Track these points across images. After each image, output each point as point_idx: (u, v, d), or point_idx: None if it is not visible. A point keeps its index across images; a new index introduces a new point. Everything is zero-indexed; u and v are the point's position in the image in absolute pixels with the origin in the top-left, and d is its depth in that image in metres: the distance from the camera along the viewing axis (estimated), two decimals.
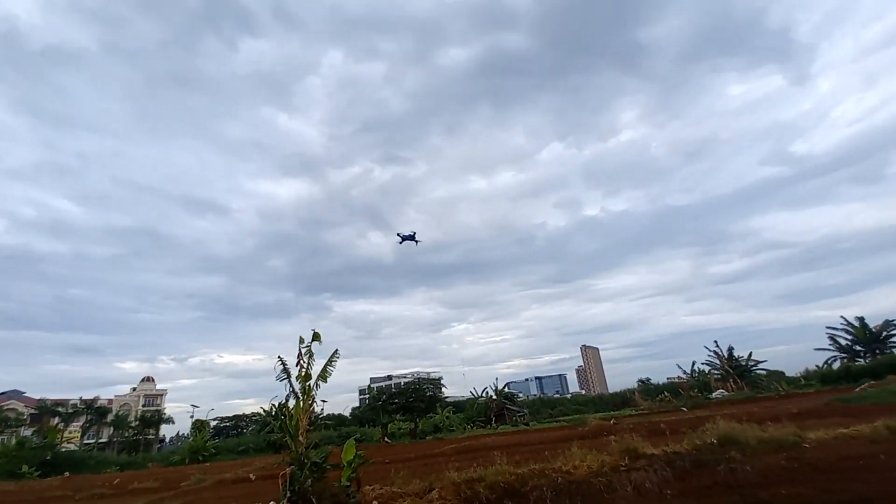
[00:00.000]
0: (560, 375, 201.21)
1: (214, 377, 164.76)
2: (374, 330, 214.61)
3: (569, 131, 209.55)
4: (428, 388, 45.03)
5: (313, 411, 9.03)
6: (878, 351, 38.72)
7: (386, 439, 38.19)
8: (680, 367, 53.50)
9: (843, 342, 41.58)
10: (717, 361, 45.65)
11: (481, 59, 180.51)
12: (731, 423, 10.71)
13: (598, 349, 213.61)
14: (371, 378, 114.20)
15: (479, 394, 54.37)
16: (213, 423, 55.55)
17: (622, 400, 53.89)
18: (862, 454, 10.21)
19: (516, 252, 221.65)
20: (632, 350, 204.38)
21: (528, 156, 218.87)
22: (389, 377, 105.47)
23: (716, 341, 46.62)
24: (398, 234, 23.76)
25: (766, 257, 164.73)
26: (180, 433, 72.43)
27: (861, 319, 40.94)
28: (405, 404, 40.60)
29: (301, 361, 9.43)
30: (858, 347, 40.40)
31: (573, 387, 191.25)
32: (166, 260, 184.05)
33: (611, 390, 76.84)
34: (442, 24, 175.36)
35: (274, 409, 10.49)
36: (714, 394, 41.00)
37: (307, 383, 9.01)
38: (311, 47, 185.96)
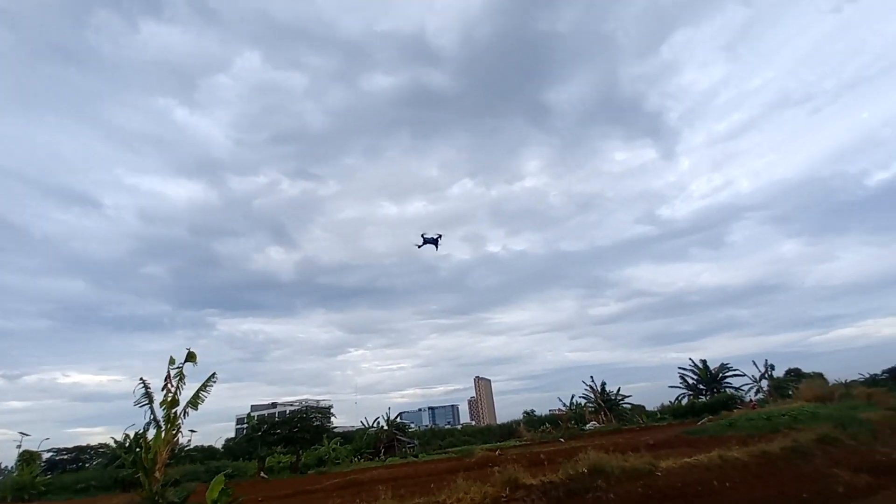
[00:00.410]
0: (452, 406, 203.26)
1: (55, 399, 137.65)
2: (263, 352, 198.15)
3: (479, 170, 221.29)
4: (315, 417, 42.35)
5: (177, 443, 7.94)
6: (715, 390, 45.58)
7: (262, 474, 34.78)
8: (561, 400, 57.43)
9: (690, 381, 48.25)
10: (592, 395, 49.88)
11: (405, 90, 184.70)
12: (600, 453, 11.65)
13: (490, 381, 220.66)
14: (252, 405, 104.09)
15: (370, 424, 52.61)
16: (46, 455, 45.80)
17: (508, 431, 55.89)
18: (700, 480, 11.77)
19: (420, 281, 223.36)
20: (521, 382, 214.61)
21: (440, 188, 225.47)
22: (274, 405, 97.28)
23: (591, 377, 51.10)
24: (422, 236, 22.21)
25: (635, 303, 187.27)
26: (2, 466, 58.83)
27: (704, 362, 48.02)
28: (288, 435, 37.55)
29: (169, 385, 8.35)
30: (701, 386, 47.16)
31: (464, 417, 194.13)
32: (15, 255, 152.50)
33: (499, 421, 79.51)
34: (370, 49, 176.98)
35: (128, 441, 9.03)
36: (588, 425, 44.50)
37: (173, 410, 7.95)
38: (227, 45, 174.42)
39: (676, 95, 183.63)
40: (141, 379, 7.88)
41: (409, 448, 46.45)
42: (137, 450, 7.30)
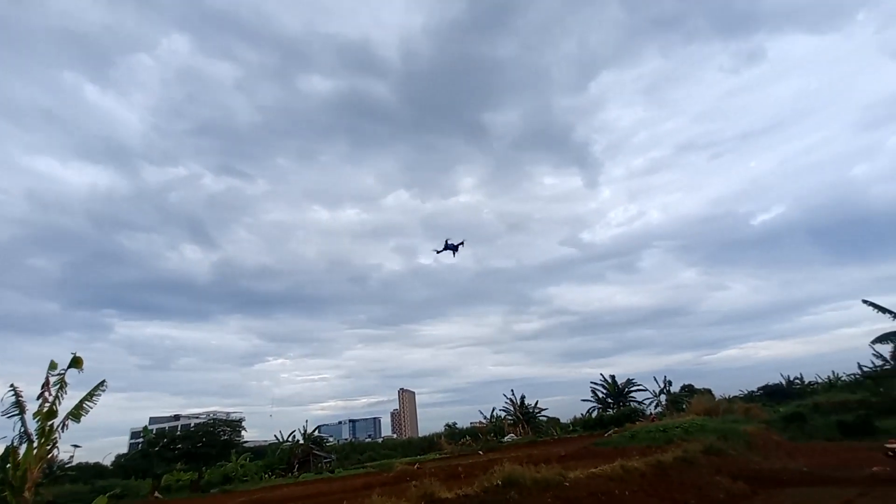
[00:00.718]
0: (374, 419, 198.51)
1: None
2: (168, 359, 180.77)
3: (416, 183, 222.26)
4: (223, 430, 39.19)
5: (54, 459, 6.96)
6: (621, 403, 49.05)
7: (157, 494, 31.43)
8: (482, 413, 58.45)
9: (601, 395, 51.50)
10: (512, 408, 51.36)
11: (344, 95, 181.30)
12: (515, 465, 11.97)
13: (414, 393, 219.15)
14: (152, 418, 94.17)
15: (285, 438, 49.80)
16: None
17: (430, 444, 55.64)
18: (603, 490, 12.51)
19: (349, 290, 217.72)
20: (444, 395, 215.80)
21: (374, 198, 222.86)
22: (177, 417, 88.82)
23: (512, 390, 52.63)
24: (446, 241, 20.31)
25: (556, 321, 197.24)
26: None
27: (613, 377, 51.55)
28: (190, 450, 34.34)
29: (45, 393, 7.34)
30: (610, 400, 50.52)
31: (386, 430, 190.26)
32: None
33: (421, 434, 78.89)
34: (309, 50, 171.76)
35: None
36: (506, 437, 45.65)
37: (49, 423, 6.98)
38: (150, 23, 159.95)
39: (601, 130, 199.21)
40: (11, 385, 6.83)
41: (325, 463, 44.53)
42: (7, 466, 6.26)
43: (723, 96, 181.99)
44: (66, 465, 42.96)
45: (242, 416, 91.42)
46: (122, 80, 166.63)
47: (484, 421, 56.77)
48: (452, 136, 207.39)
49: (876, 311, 24.82)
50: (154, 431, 38.81)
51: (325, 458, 46.23)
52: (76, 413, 7.70)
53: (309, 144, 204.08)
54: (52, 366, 7.57)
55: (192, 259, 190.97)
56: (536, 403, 52.25)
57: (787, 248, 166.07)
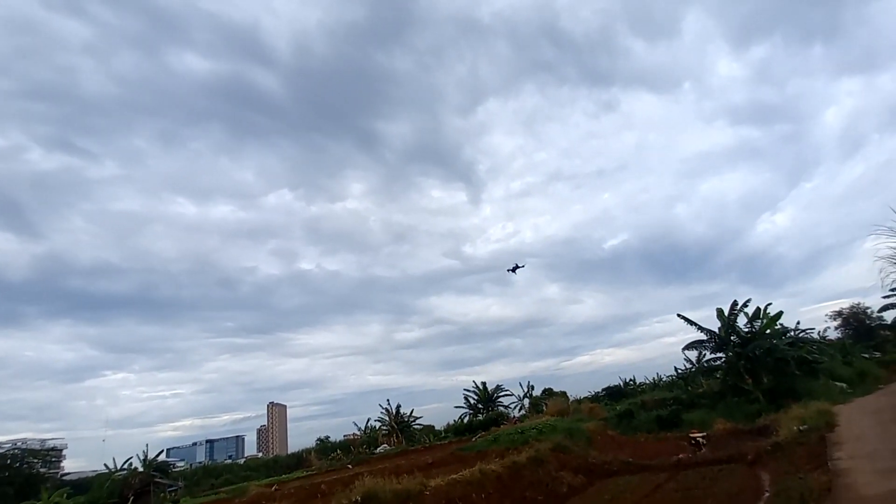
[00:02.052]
0: (238, 437, 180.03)
1: None
2: None
3: (301, 184, 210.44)
4: (31, 462, 31.88)
5: None
6: (490, 408, 52.08)
7: None
8: (356, 425, 56.89)
9: (472, 401, 54.05)
10: (387, 418, 51.03)
11: (224, 80, 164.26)
12: (376, 478, 11.84)
13: (285, 406, 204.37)
14: None
15: (119, 466, 42.41)
16: None
17: (297, 461, 52.33)
18: (461, 496, 13.00)
19: (215, 294, 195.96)
20: (319, 407, 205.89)
21: (253, 195, 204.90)
22: None
23: (388, 400, 52.25)
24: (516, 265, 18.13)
25: (435, 330, 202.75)
26: None
27: (484, 384, 54.54)
28: None
29: None
30: (480, 406, 53.28)
31: (251, 449, 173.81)
32: None
33: (291, 450, 73.91)
34: (185, 23, 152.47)
35: None
36: (378, 448, 45.06)
37: None
38: None
39: (486, 152, 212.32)
40: None
41: (169, 492, 38.86)
42: None
43: (584, 136, 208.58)
44: None
45: (64, 442, 75.63)
46: None
47: (358, 433, 55.37)
48: (343, 141, 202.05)
49: (687, 323, 30.38)
50: None
51: (170, 486, 40.37)
52: None
53: (176, 127, 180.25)
54: None
55: (3, 250, 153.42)
56: (412, 412, 52.67)
57: (626, 270, 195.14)
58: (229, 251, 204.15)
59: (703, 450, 20.24)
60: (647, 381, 57.30)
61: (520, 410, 51.35)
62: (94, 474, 47.80)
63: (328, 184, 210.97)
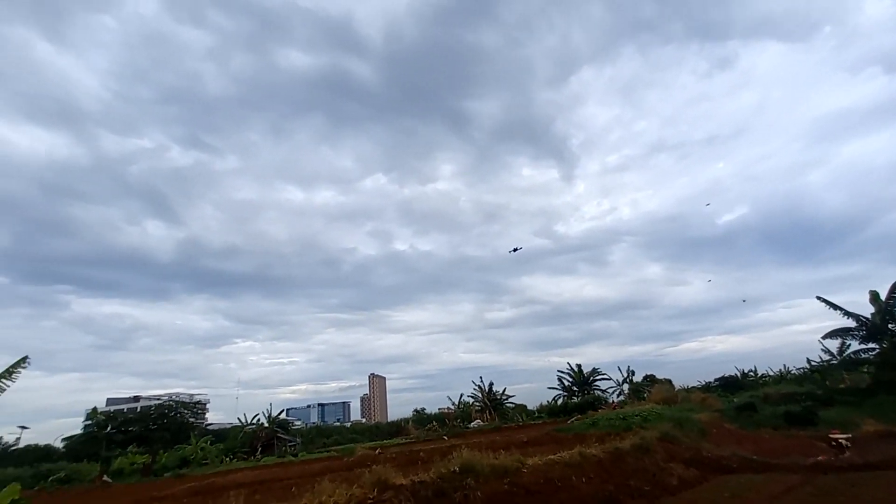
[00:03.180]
0: (344, 403, 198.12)
1: None
2: (127, 339, 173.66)
3: (394, 167, 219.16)
4: (181, 413, 37.99)
5: None
6: (586, 391, 50.28)
7: (105, 478, 30.16)
8: (450, 399, 58.87)
9: (566, 383, 52.65)
10: (480, 395, 51.91)
11: (323, 73, 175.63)
12: (473, 451, 11.83)
13: (385, 378, 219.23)
14: (109, 399, 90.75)
15: (249, 421, 48.83)
16: None
17: (397, 429, 55.77)
18: (560, 476, 12.54)
19: (321, 273, 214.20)
20: (414, 381, 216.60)
21: (351, 180, 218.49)
22: (137, 398, 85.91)
23: (481, 377, 53.15)
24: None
25: (527, 310, 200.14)
26: None
27: (579, 366, 52.73)
28: (143, 433, 33.08)
29: None
30: (575, 388, 51.72)
31: (356, 415, 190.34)
32: None
33: (390, 419, 79.06)
34: (288, 23, 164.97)
35: None
36: (472, 423, 46.13)
37: None
38: None
39: (579, 125, 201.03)
40: None
41: (289, 447, 43.92)
42: None
43: (692, 100, 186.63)
44: (11, 448, 40.94)
45: (207, 398, 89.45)
46: (81, 40, 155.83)
47: (452, 407, 57.22)
48: (433, 123, 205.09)
49: (828, 307, 25.96)
50: (112, 412, 37.09)
51: (290, 441, 45.61)
52: None
53: (284, 121, 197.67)
54: None
55: (154, 235, 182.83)
56: (504, 390, 52.98)
57: (742, 248, 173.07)
58: (331, 233, 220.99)
59: (847, 453, 17.36)
60: (772, 373, 50.88)
61: (618, 395, 48.94)
62: (230, 426, 55.77)
63: (419, 166, 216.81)
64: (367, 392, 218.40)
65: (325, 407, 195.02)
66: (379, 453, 22.11)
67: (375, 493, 9.61)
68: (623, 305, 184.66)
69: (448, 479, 10.69)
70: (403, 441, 38.06)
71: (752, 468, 16.32)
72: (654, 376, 51.77)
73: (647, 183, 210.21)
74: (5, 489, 6.21)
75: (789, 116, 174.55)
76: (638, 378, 51.20)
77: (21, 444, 42.32)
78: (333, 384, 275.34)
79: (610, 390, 51.06)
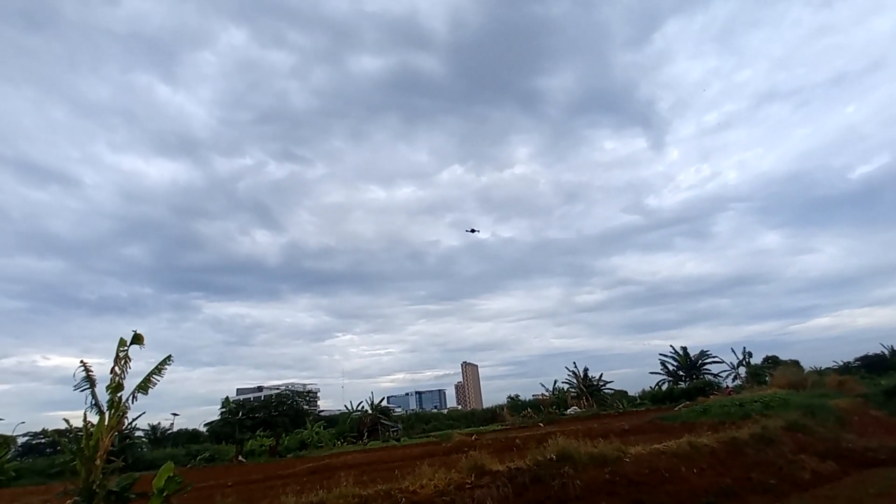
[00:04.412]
0: (440, 391, 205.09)
1: (35, 383, 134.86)
2: (248, 336, 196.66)
3: (469, 157, 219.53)
4: (297, 400, 42.22)
5: (122, 427, 7.58)
6: (694, 376, 46.40)
7: (240, 458, 34.66)
8: (543, 386, 58.06)
9: (671, 367, 49.04)
10: (574, 381, 50.47)
11: (394, 73, 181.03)
12: (569, 439, 11.55)
13: (476, 366, 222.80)
14: (238, 389, 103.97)
15: (355, 408, 52.71)
16: (22, 440, 44.86)
17: (492, 415, 56.46)
18: (667, 467, 11.74)
19: (407, 266, 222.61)
20: (506, 368, 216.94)
21: (429, 174, 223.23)
22: (260, 388, 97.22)
23: (574, 363, 51.63)
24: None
25: (619, 292, 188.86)
26: None
27: (684, 349, 48.83)
28: (267, 418, 37.37)
29: (116, 367, 7.95)
30: (681, 373, 47.98)
31: (451, 402, 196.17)
32: None
33: (485, 406, 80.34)
34: (357, 30, 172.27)
35: (70, 428, 8.62)
36: (568, 410, 45.04)
37: (117, 395, 7.56)
38: (209, 20, 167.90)
39: (668, 85, 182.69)
40: (82, 362, 7.48)
41: (392, 432, 46.66)
42: (72, 436, 6.93)
43: (810, 36, 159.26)
44: (167, 431, 48.81)
45: (317, 387, 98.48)
46: (188, 77, 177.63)
47: (546, 393, 56.41)
48: (505, 106, 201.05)
49: None
50: (232, 402, 42.40)
51: (392, 427, 48.41)
52: (144, 386, 8.29)
53: (361, 124, 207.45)
54: (122, 343, 8.16)
55: (262, 243, 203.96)
56: (601, 376, 50.94)
57: (888, 204, 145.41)
58: (414, 227, 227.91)
59: None
60: None
61: (734, 380, 44.61)
62: (338, 413, 60.71)
63: (494, 152, 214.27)
64: (461, 379, 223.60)
65: (423, 394, 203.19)
66: (475, 439, 22.54)
67: (473, 478, 9.81)
68: (734, 281, 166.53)
69: (545, 466, 10.56)
70: (499, 427, 38.40)
71: None
72: (777, 358, 46.21)
73: (756, 140, 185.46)
74: (163, 467, 7.34)
75: None
76: (756, 360, 46.09)
77: (175, 429, 50.33)
78: (428, 373, 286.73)
79: (723, 374, 46.69)
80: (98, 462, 6.82)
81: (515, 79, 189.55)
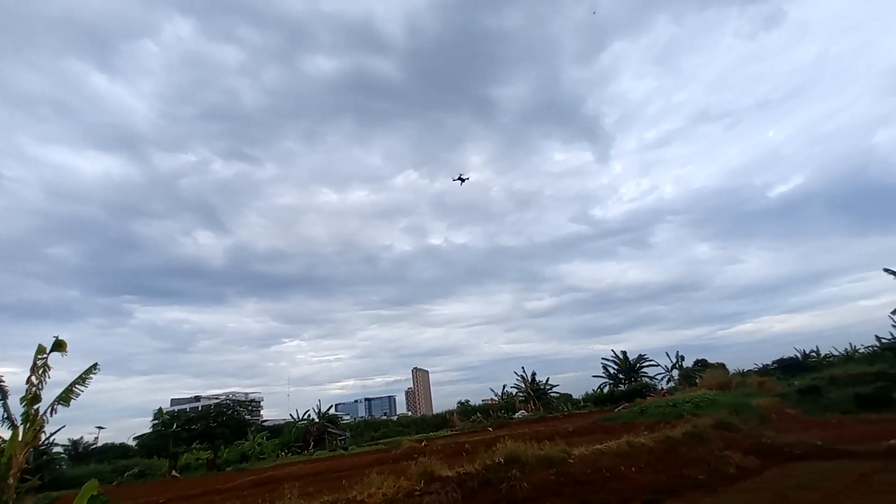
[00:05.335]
0: (390, 397, 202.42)
1: None
2: (188, 342, 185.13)
3: (424, 162, 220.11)
4: (238, 410, 40.14)
5: (38, 443, 6.88)
6: (633, 379, 48.90)
7: (174, 473, 32.37)
8: (493, 390, 58.90)
9: (612, 371, 51.39)
10: (523, 385, 51.59)
11: (349, 75, 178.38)
12: (517, 442, 11.78)
13: (428, 372, 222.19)
14: (173, 399, 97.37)
15: (301, 417, 50.85)
16: None
17: (442, 421, 56.40)
18: (609, 466, 12.27)
19: (361, 271, 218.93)
20: (458, 373, 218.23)
21: (383, 178, 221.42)
22: (198, 398, 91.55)
23: (523, 367, 52.76)
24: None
25: (567, 298, 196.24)
26: None
27: (624, 353, 51.33)
28: (206, 430, 35.20)
29: (32, 378, 7.21)
30: (621, 376, 50.41)
31: (401, 408, 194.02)
32: None
33: (435, 411, 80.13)
34: (313, 30, 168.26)
35: None
36: (517, 414, 45.95)
37: (34, 407, 6.86)
38: (153, 9, 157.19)
39: (613, 101, 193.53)
40: None
41: (339, 440, 45.47)
42: None
43: (738, 63, 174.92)
44: (91, 447, 44.76)
45: (261, 396, 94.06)
46: (128, 67, 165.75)
47: (496, 398, 57.22)
48: (460, 113, 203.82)
49: None
50: (166, 413, 39.68)
51: (340, 435, 47.18)
52: (65, 397, 7.58)
53: (315, 126, 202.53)
54: (40, 350, 7.42)
55: (206, 244, 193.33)
56: (548, 380, 52.41)
57: (804, 220, 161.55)
58: (368, 231, 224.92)
59: None
60: (837, 353, 47.60)
61: (668, 382, 47.34)
62: (283, 422, 58.33)
63: (449, 158, 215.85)
64: (412, 385, 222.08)
65: (372, 401, 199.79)
66: (425, 445, 22.44)
67: (422, 485, 9.77)
68: (671, 288, 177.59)
69: (494, 469, 10.71)
70: (449, 433, 38.46)
71: (819, 455, 15.35)
72: (707, 361, 49.65)
73: (691, 157, 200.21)
74: (85, 485, 6.71)
75: (854, 70, 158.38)
76: (688, 363, 49.30)
77: (100, 443, 46.25)
78: (379, 379, 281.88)
79: (658, 377, 49.47)
80: (11, 481, 6.13)
81: (471, 86, 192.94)
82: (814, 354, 49.50)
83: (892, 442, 15.40)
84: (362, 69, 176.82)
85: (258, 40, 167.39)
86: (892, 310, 26.54)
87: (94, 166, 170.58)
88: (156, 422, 35.63)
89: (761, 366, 49.51)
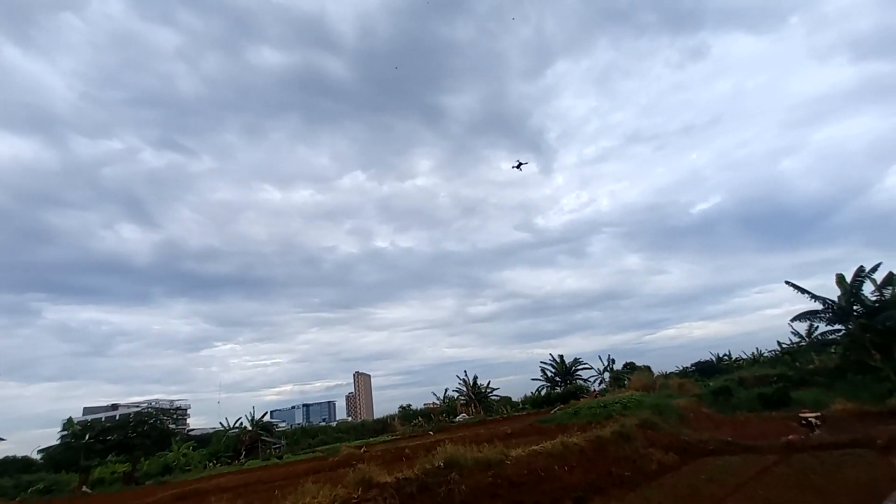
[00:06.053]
0: (329, 402, 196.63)
1: None
2: (105, 345, 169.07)
3: (372, 164, 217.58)
4: (162, 419, 37.21)
5: None
6: (568, 381, 51.09)
7: (85, 488, 29.34)
8: (434, 394, 59.09)
9: (549, 374, 53.37)
10: (464, 388, 52.19)
11: (297, 71, 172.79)
12: (457, 446, 11.91)
13: (370, 376, 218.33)
14: (86, 408, 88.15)
15: (232, 425, 48.06)
16: None
17: (383, 426, 55.63)
18: (543, 467, 12.73)
19: (301, 272, 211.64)
20: (400, 377, 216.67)
21: (329, 178, 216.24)
22: (115, 406, 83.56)
23: (465, 371, 53.38)
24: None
25: (509, 304, 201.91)
26: None
27: (561, 357, 53.51)
28: (123, 441, 32.27)
29: None
30: (558, 378, 52.48)
31: (341, 414, 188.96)
32: None
33: (376, 416, 78.82)
34: (259, 20, 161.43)
35: None
36: (458, 417, 46.38)
37: None
38: None
39: (556, 117, 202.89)
40: None
41: (274, 449, 43.44)
42: None
43: (668, 90, 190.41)
44: None
45: (188, 403, 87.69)
46: (46, 42, 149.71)
47: (437, 402, 57.40)
48: (410, 118, 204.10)
49: (796, 291, 26.87)
50: (89, 421, 36.04)
51: (274, 443, 45.10)
52: None
53: (259, 120, 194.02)
54: None
55: (130, 239, 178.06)
56: (489, 384, 53.35)
57: (720, 236, 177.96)
58: (311, 232, 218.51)
59: (817, 431, 18.11)
60: (745, 357, 52.55)
61: (600, 384, 49.88)
62: (212, 431, 54.82)
63: (397, 162, 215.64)
64: (353, 390, 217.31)
65: (311, 407, 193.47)
66: (364, 452, 22.06)
67: (360, 493, 9.59)
68: (604, 296, 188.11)
69: (432, 474, 10.74)
70: (389, 438, 38.03)
71: (729, 450, 16.89)
72: (634, 364, 52.95)
73: (624, 174, 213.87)
74: None
75: (763, 105, 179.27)
76: (618, 366, 52.26)
77: None
78: (318, 384, 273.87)
79: (591, 380, 52.02)
80: None
81: (421, 93, 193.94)
82: (726, 358, 54.24)
83: (791, 437, 17.28)
84: (311, 66, 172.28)
85: (198, 25, 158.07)
86: (790, 318, 29.67)
87: (2, 147, 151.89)
88: (65, 433, 32.06)
89: (682, 368, 53.52)
